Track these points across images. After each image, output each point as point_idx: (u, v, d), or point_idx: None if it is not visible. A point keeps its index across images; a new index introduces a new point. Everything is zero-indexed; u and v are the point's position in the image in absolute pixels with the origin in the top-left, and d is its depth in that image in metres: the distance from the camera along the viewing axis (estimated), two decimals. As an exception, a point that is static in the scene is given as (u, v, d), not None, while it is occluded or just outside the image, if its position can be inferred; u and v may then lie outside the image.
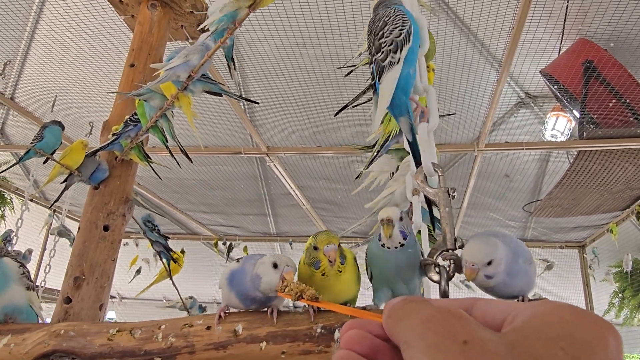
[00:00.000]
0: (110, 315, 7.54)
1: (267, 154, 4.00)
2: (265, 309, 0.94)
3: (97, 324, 0.97)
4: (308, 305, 0.87)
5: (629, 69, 3.20)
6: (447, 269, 0.76)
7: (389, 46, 0.92)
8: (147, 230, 2.75)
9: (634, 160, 3.73)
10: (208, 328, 0.86)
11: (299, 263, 1.00)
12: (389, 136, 1.49)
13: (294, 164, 4.44)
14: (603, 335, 0.25)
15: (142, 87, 1.65)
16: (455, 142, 3.99)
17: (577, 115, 3.51)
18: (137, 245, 5.73)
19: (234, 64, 1.79)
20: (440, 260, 0.78)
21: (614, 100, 3.28)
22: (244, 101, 1.55)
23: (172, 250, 2.79)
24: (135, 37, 2.46)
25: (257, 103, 1.82)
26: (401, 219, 0.89)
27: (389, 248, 0.88)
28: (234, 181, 4.92)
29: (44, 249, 5.38)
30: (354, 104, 1.25)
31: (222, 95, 1.75)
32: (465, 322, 0.27)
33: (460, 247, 0.77)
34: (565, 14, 2.98)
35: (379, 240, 0.89)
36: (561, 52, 3.30)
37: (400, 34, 0.93)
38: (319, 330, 0.81)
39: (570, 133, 3.80)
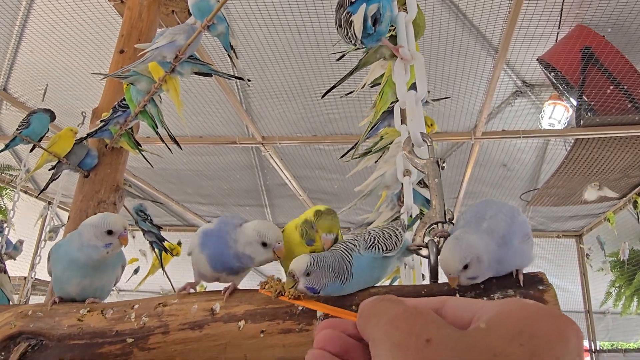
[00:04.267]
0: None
1: (262, 143, 3.97)
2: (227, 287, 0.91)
3: (67, 304, 0.95)
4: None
5: (626, 55, 3.16)
6: (437, 243, 0.73)
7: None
8: (140, 220, 2.72)
9: (631, 148, 3.71)
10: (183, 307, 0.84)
11: (291, 225, 0.97)
12: (380, 117, 1.47)
13: (290, 153, 4.41)
14: (563, 331, 0.26)
15: (127, 66, 1.62)
16: (452, 130, 3.96)
17: (575, 103, 3.48)
18: (133, 237, 5.70)
19: (234, 53, 1.72)
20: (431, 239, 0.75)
21: (611, 87, 3.25)
22: (236, 80, 1.52)
23: (165, 240, 2.77)
24: (124, 23, 2.42)
25: (249, 81, 1.79)
26: (308, 274, 0.78)
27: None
28: (230, 172, 4.89)
29: (39, 240, 5.36)
30: (340, 83, 1.22)
31: (212, 76, 1.71)
32: (430, 321, 0.28)
33: (450, 220, 0.74)
34: (563, 0, 2.94)
35: None
36: (559, 39, 3.27)
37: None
38: (300, 308, 0.78)
39: (568, 121, 3.77)
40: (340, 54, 1.60)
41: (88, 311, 0.90)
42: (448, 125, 3.93)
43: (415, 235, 0.77)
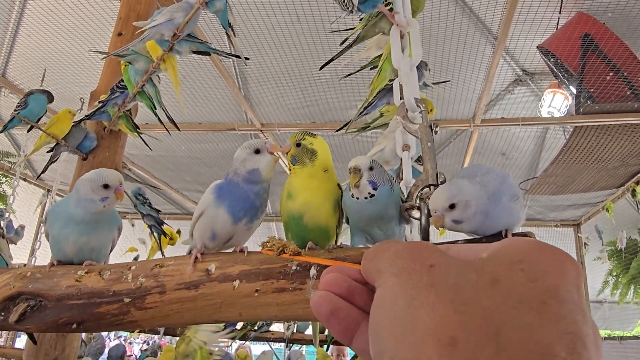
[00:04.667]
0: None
1: (261, 130, 3.97)
2: (235, 249, 0.94)
3: (65, 266, 0.96)
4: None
5: (626, 41, 3.16)
6: (428, 204, 0.74)
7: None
8: (138, 203, 2.73)
9: (630, 136, 3.70)
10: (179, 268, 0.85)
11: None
12: (378, 92, 1.47)
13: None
14: (562, 263, 0.27)
15: (126, 45, 1.62)
16: (451, 118, 3.96)
17: (574, 91, 3.48)
18: (132, 225, 5.71)
19: (232, 31, 1.72)
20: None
21: (611, 74, 3.24)
22: (235, 63, 1.52)
23: (164, 223, 2.78)
24: (122, 5, 2.41)
25: (247, 59, 1.78)
26: (371, 168, 0.86)
27: (357, 199, 0.86)
28: (229, 159, 4.88)
29: (38, 227, 5.37)
30: (339, 56, 1.22)
31: (210, 55, 1.71)
32: (433, 250, 0.30)
33: (442, 183, 0.75)
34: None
35: (349, 191, 0.88)
36: (559, 26, 3.26)
37: None
38: (294, 267, 0.79)
39: (567, 110, 3.77)
40: (343, 39, 1.59)
41: (86, 272, 0.91)
42: (447, 112, 3.93)
43: (407, 197, 0.78)
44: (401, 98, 1.19)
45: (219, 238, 0.99)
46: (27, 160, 5.06)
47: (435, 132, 0.75)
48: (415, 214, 0.75)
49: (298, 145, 1.00)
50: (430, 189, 0.74)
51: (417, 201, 0.76)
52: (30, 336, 1.60)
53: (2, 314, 0.87)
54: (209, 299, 0.81)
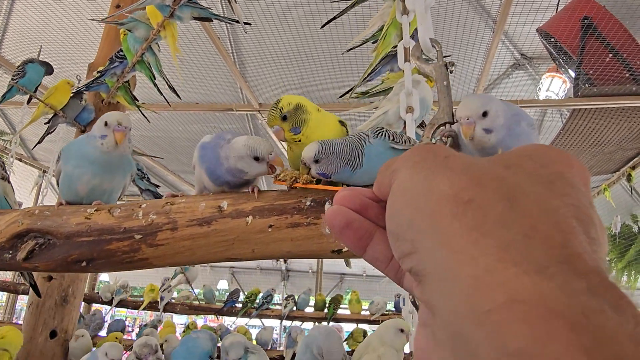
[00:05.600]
0: (104, 277, 7.55)
1: (259, 110, 3.95)
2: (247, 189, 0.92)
3: (74, 206, 0.95)
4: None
5: (625, 23, 3.16)
6: (445, 142, 0.74)
7: None
8: (137, 178, 2.71)
9: (627, 119, 3.72)
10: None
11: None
12: (382, 58, 1.46)
13: (287, 123, 4.38)
14: (569, 158, 0.29)
15: (125, 10, 1.60)
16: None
17: (572, 75, 3.48)
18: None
19: None
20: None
21: (610, 56, 3.24)
22: (235, 23, 1.48)
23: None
24: (121, -25, 2.38)
25: (249, 24, 1.77)
26: (317, 161, 0.82)
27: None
28: (226, 141, 4.86)
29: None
30: (341, 15, 1.21)
31: (212, 21, 1.69)
32: (447, 148, 0.30)
33: (457, 121, 0.75)
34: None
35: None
36: (559, 9, 3.25)
37: None
38: (308, 203, 0.79)
39: (565, 94, 3.78)
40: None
41: (95, 210, 0.90)
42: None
43: (423, 136, 0.78)
44: (406, 61, 1.18)
45: (212, 191, 0.98)
46: (22, 140, 5.01)
47: (451, 72, 0.75)
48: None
49: (284, 118, 0.92)
50: (446, 127, 0.74)
51: (433, 140, 0.76)
52: (34, 288, 1.60)
53: (10, 252, 0.86)
54: (222, 235, 0.80)
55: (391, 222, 0.30)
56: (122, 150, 1.03)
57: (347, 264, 1.39)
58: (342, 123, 0.96)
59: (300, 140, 0.91)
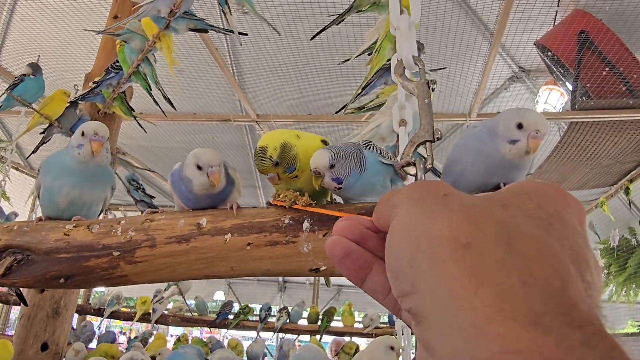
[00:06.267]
0: (99, 287, 7.51)
1: (256, 121, 3.95)
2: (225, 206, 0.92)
3: (54, 221, 0.94)
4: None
5: (621, 37, 3.17)
6: (424, 161, 0.73)
7: None
8: (132, 189, 2.71)
9: (624, 133, 3.72)
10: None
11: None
12: (376, 71, 1.46)
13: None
14: (565, 197, 0.30)
15: (121, 21, 1.60)
16: (447, 112, 3.97)
17: (570, 88, 3.49)
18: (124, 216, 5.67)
19: (228, 8, 1.69)
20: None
21: (607, 69, 3.25)
22: (232, 34, 1.49)
23: (158, 210, 2.76)
24: (118, -13, 2.40)
25: (245, 34, 1.77)
26: (332, 166, 0.84)
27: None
28: (223, 151, 4.87)
29: (30, 216, 5.32)
30: (334, 23, 1.21)
31: (208, 32, 1.69)
32: (446, 185, 0.31)
33: (438, 139, 0.74)
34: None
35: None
36: (556, 23, 3.27)
37: None
38: (286, 221, 0.78)
39: (563, 107, 3.78)
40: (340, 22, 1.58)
41: (74, 226, 0.89)
42: (443, 106, 3.93)
43: (403, 154, 0.78)
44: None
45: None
46: (19, 149, 5.01)
47: (433, 90, 0.75)
48: (411, 170, 0.74)
49: (277, 164, 0.90)
50: (426, 145, 0.74)
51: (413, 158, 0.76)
52: (21, 297, 1.58)
53: (-12, 267, 0.85)
54: (201, 252, 0.80)
55: (391, 259, 0.30)
56: (99, 160, 1.02)
57: (327, 283, 1.39)
58: (324, 142, 0.96)
59: (297, 176, 0.91)
